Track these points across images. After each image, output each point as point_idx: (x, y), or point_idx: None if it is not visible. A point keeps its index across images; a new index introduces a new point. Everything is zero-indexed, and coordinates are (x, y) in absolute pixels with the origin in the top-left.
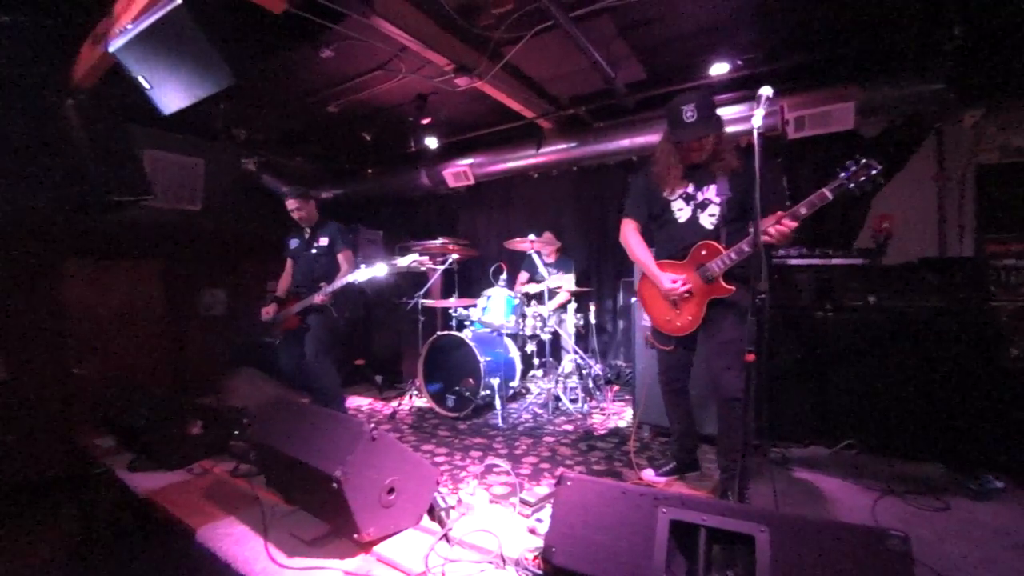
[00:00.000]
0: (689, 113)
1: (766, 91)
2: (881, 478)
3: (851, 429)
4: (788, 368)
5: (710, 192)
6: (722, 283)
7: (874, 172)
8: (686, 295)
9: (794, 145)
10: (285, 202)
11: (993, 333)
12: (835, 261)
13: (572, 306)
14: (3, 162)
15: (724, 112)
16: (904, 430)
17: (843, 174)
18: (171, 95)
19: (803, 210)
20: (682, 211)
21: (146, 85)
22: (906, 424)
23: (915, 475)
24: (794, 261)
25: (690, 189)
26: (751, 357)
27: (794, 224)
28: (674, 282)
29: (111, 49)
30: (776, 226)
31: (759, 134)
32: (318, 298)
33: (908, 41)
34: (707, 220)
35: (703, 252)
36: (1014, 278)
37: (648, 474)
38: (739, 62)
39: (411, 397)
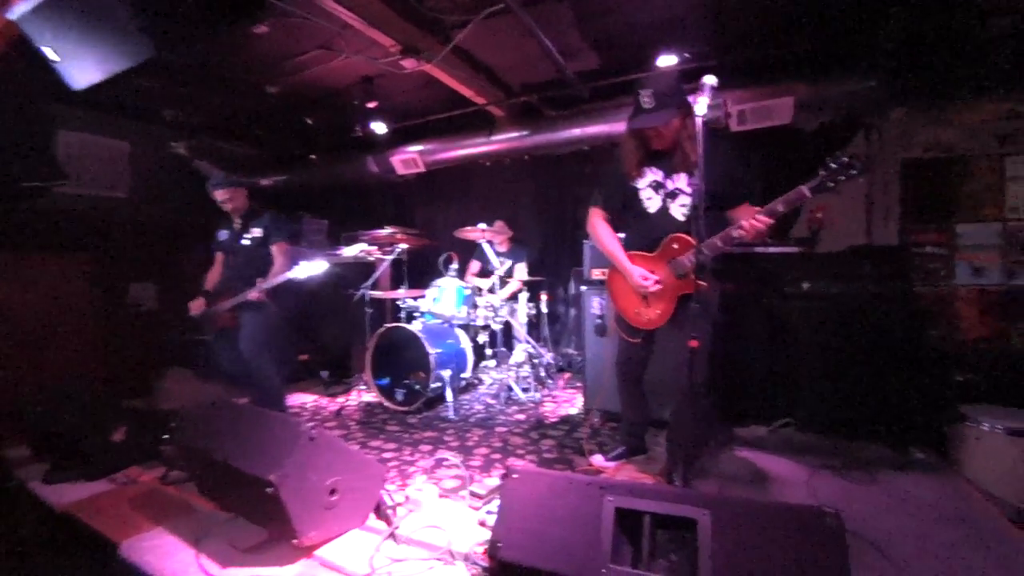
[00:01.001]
0: (646, 99)
1: (710, 80)
2: (817, 455)
3: (789, 408)
4: (730, 352)
5: (680, 181)
6: (693, 279)
7: (854, 173)
8: (656, 290)
9: (740, 138)
10: (212, 194)
11: (916, 317)
12: (772, 250)
13: (524, 295)
14: None
15: None
16: (839, 409)
17: (823, 172)
18: (83, 69)
19: (780, 207)
20: (651, 200)
21: (54, 57)
22: (841, 403)
23: (849, 452)
24: (737, 250)
25: (659, 177)
26: (695, 344)
27: (769, 220)
28: (645, 279)
29: (13, 16)
30: (751, 221)
31: (704, 123)
32: (252, 295)
33: (851, 41)
34: (678, 211)
35: (675, 246)
36: (933, 266)
37: (598, 459)
38: (686, 55)
39: (359, 392)
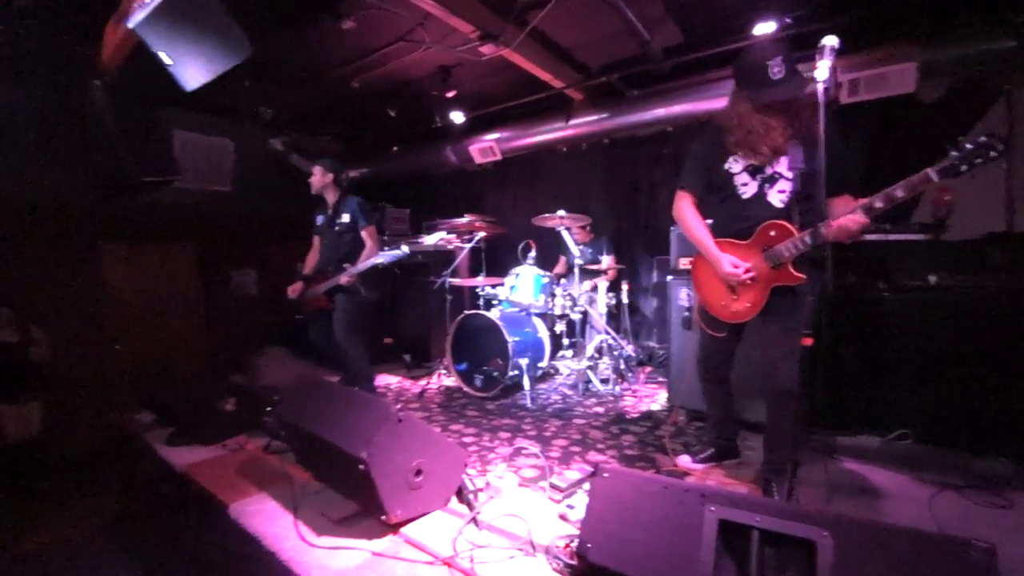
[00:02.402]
0: (776, 69)
1: (830, 40)
2: (936, 471)
3: (904, 418)
4: (837, 351)
5: (780, 165)
6: (791, 270)
7: (995, 155)
8: (748, 281)
9: (843, 111)
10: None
11: None
12: (892, 237)
13: (603, 285)
14: (34, 146)
15: None
16: (963, 420)
17: (955, 153)
18: (192, 70)
19: (900, 192)
20: (747, 186)
21: (168, 61)
22: (966, 414)
23: (973, 469)
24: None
25: (756, 161)
26: (809, 341)
27: (864, 221)
28: (736, 267)
29: (131, 24)
30: (840, 221)
31: (824, 90)
32: (343, 279)
33: None
34: (776, 197)
35: (771, 233)
36: None
37: (684, 460)
38: (787, 20)
39: (439, 376)
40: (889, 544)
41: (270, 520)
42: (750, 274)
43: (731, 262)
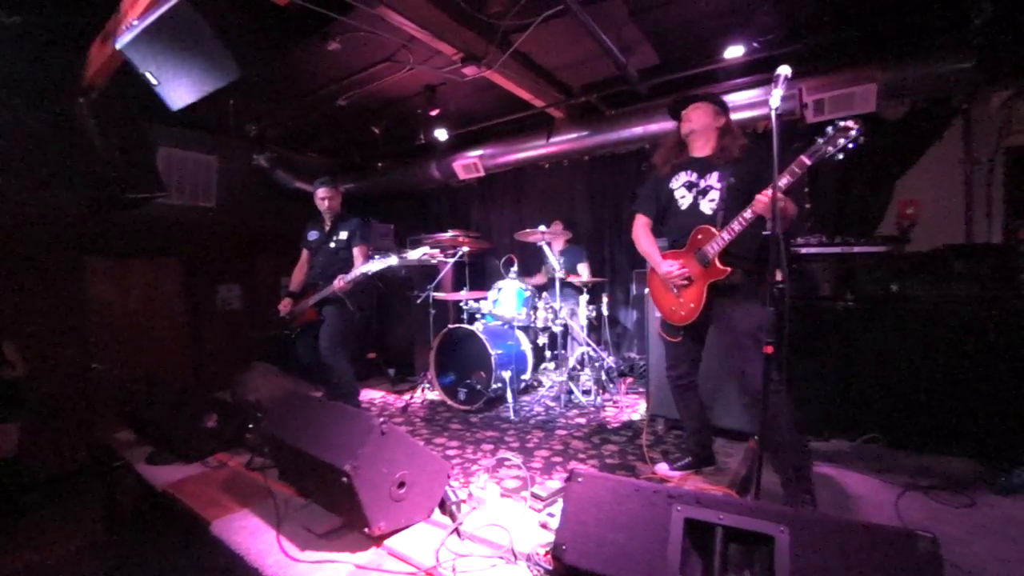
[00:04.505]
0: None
1: (784, 70)
2: (905, 472)
3: (873, 422)
4: (806, 360)
5: (711, 179)
6: (717, 264)
7: (853, 132)
8: (684, 281)
9: (811, 130)
10: (315, 191)
11: (1022, 321)
12: (856, 249)
13: (584, 298)
14: (19, 161)
15: (740, 97)
16: (929, 422)
17: (820, 139)
18: (179, 91)
19: (785, 179)
20: (684, 198)
21: (154, 81)
22: (931, 416)
23: (941, 469)
24: (813, 250)
25: (693, 177)
26: (769, 349)
27: (777, 195)
28: (671, 266)
29: (118, 46)
30: (759, 196)
31: (777, 116)
32: (337, 284)
33: (934, 16)
34: (707, 206)
35: (699, 236)
36: None
37: (662, 468)
38: (755, 44)
39: (423, 390)
40: (843, 537)
41: (253, 536)
42: (683, 271)
43: (667, 263)
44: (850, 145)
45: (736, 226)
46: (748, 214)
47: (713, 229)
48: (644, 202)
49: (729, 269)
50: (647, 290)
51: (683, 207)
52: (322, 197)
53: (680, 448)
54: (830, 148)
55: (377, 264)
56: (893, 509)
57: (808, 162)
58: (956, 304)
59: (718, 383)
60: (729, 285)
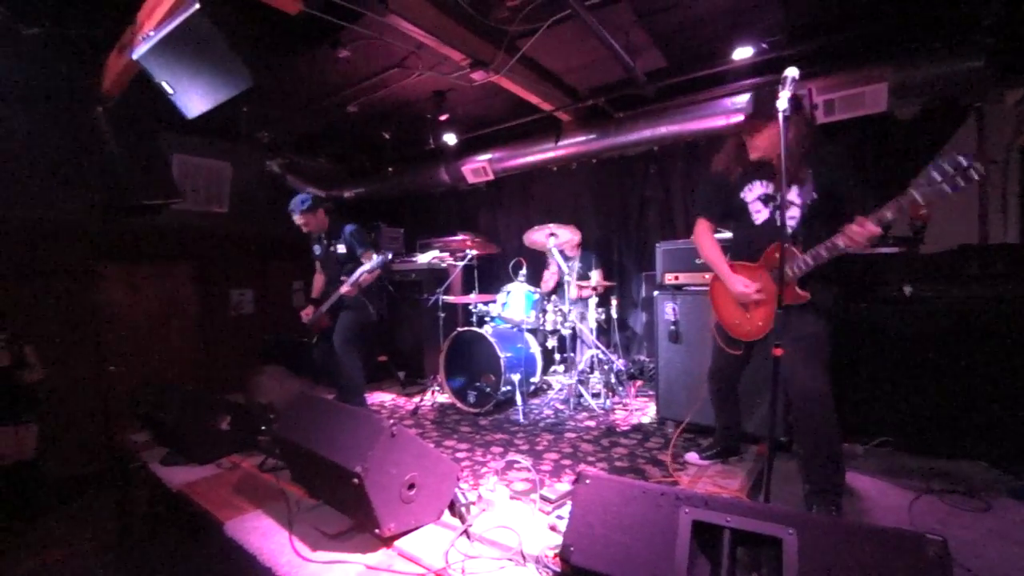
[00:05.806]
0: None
1: (792, 72)
2: (918, 477)
3: (886, 425)
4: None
5: (791, 193)
6: (796, 289)
7: (975, 178)
8: (757, 299)
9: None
10: (292, 218)
11: None
12: (869, 251)
13: (593, 301)
14: (37, 168)
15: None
16: (943, 426)
17: (936, 174)
18: (194, 99)
19: (889, 214)
20: (760, 212)
21: (169, 90)
22: (945, 420)
23: (954, 473)
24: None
25: (770, 190)
26: (779, 352)
27: (876, 230)
28: (746, 287)
29: (135, 56)
30: (854, 228)
31: (785, 118)
32: (343, 289)
33: (943, 15)
34: (786, 222)
35: (776, 255)
36: None
37: (692, 456)
38: (763, 45)
39: (433, 393)
40: (851, 540)
41: (266, 536)
42: (760, 294)
43: (742, 282)
44: (968, 183)
45: (824, 252)
46: (841, 244)
47: (795, 250)
48: (708, 206)
49: (807, 295)
50: (656, 293)
51: (758, 221)
52: (299, 224)
53: (688, 450)
54: (947, 187)
55: (370, 264)
56: (906, 513)
57: (921, 202)
58: (971, 305)
59: (750, 387)
60: (800, 305)
